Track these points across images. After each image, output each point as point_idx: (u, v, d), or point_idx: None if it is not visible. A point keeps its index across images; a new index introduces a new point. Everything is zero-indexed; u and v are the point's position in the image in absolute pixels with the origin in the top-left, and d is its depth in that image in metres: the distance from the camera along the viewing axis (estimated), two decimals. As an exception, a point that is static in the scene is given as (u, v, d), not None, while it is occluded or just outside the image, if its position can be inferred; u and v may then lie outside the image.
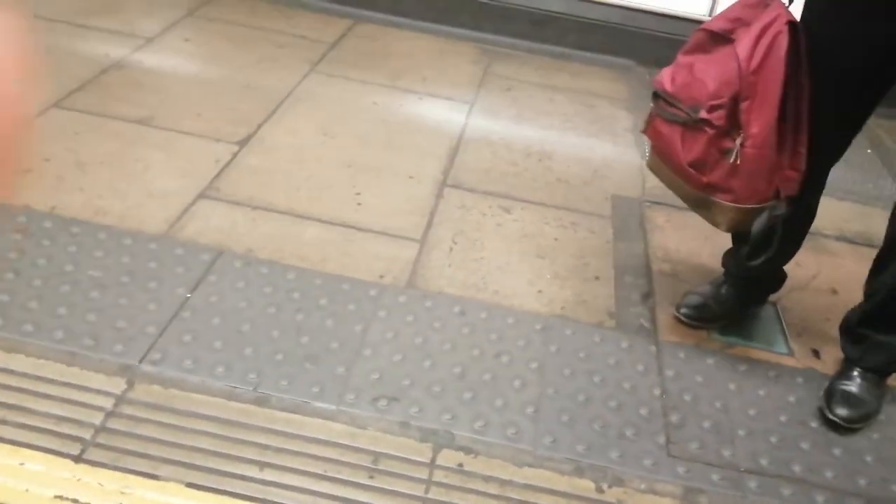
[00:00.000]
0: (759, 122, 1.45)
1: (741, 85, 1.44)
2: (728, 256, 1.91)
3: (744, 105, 1.45)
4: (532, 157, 2.57)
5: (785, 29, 1.43)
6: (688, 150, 1.53)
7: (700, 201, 1.59)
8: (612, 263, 2.12)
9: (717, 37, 1.51)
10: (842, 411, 1.67)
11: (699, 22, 3.24)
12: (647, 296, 2.01)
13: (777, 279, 1.92)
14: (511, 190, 2.39)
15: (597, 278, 2.06)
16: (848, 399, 1.69)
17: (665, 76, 1.57)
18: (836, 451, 1.64)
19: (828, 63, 1.45)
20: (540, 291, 1.99)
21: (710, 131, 1.48)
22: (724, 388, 1.76)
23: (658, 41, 3.32)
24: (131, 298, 1.77)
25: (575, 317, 1.92)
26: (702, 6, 3.26)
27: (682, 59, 1.56)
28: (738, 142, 1.47)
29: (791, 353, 1.88)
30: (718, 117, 1.47)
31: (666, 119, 1.56)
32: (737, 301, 1.90)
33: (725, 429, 1.66)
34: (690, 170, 1.54)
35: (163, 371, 1.61)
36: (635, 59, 3.35)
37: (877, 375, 1.73)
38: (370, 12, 3.43)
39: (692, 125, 1.51)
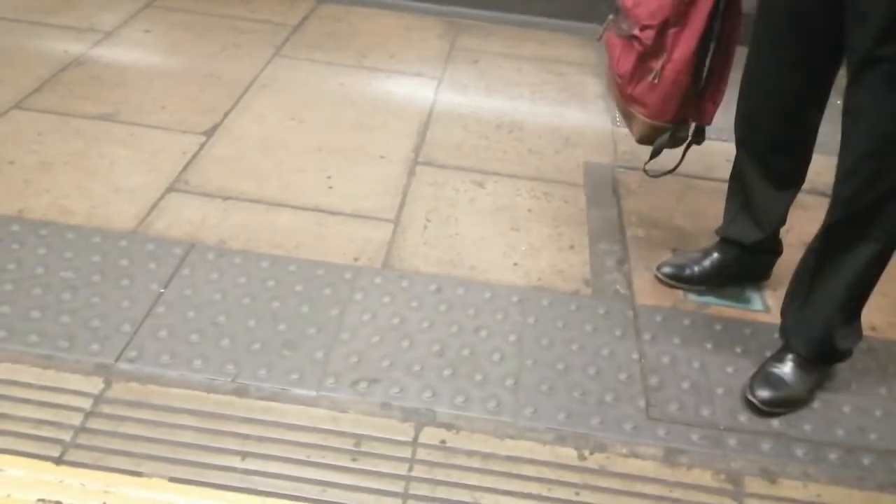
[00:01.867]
0: (681, 48, 1.59)
1: (672, 12, 1.57)
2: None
3: (671, 31, 1.59)
4: (503, 129, 2.56)
5: None
6: (621, 63, 1.67)
7: (624, 111, 1.75)
8: (587, 231, 2.12)
9: None
10: (762, 393, 1.62)
11: (664, -18, 3.23)
12: (622, 261, 2.02)
13: (775, 249, 1.91)
14: (483, 164, 2.38)
15: (571, 247, 2.06)
16: (770, 380, 1.64)
17: None
18: (815, 405, 1.66)
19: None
20: (516, 264, 1.99)
21: (639, 48, 1.62)
22: (702, 348, 1.77)
23: (625, 4, 3.29)
24: (104, 297, 1.76)
25: (551, 287, 1.93)
26: (666, -34, 3.22)
27: None
28: (660, 63, 1.61)
29: (766, 310, 1.89)
30: (647, 37, 1.60)
31: (615, 32, 1.69)
32: (722, 269, 1.90)
33: (704, 388, 1.67)
34: (619, 80, 1.70)
35: (140, 368, 1.61)
36: (600, 23, 3.31)
37: (810, 361, 1.66)
38: (333, -8, 3.38)
39: (628, 40, 1.65)
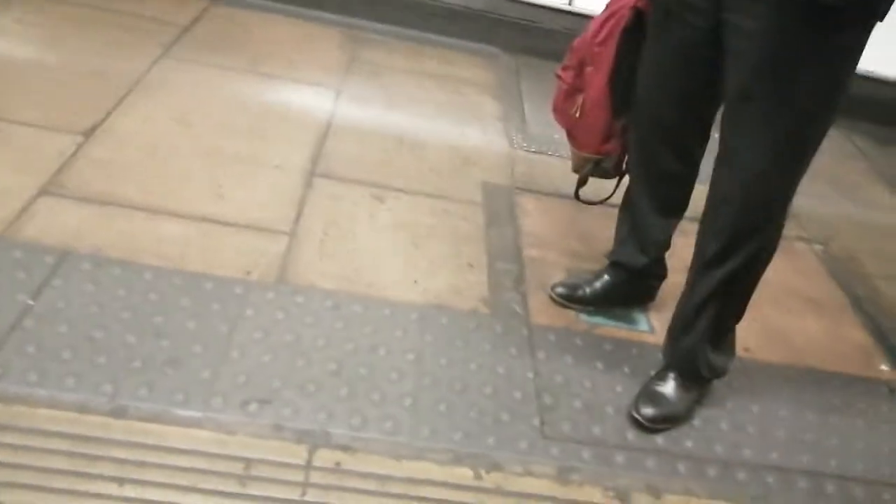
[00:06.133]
0: (594, 85, 1.74)
1: (585, 53, 1.74)
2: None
3: (588, 70, 1.75)
4: (403, 145, 2.55)
5: (628, 12, 1.67)
6: (556, 99, 1.84)
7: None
8: (485, 250, 2.14)
9: (605, 9, 1.75)
10: (646, 410, 1.68)
11: (560, 11, 3.36)
12: (519, 281, 2.05)
13: (660, 274, 1.99)
14: (383, 178, 2.35)
15: (470, 265, 2.07)
16: (653, 398, 1.71)
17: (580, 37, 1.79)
18: (695, 422, 1.74)
19: (655, 33, 1.63)
20: (415, 281, 1.98)
21: (563, 86, 1.80)
22: (593, 368, 1.82)
23: (521, 29, 3.38)
24: (-38, 308, 1.59)
25: (450, 305, 1.92)
26: (562, -5, 3.34)
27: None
28: (581, 99, 1.78)
29: (652, 331, 1.97)
30: (567, 76, 1.79)
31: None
32: (611, 291, 1.97)
33: (595, 407, 1.72)
34: (553, 114, 1.87)
35: (4, 387, 1.46)
36: (500, 47, 3.39)
37: (688, 379, 1.73)
38: (228, -7, 3.26)
39: (557, 78, 1.82)
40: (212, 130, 2.38)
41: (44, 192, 1.97)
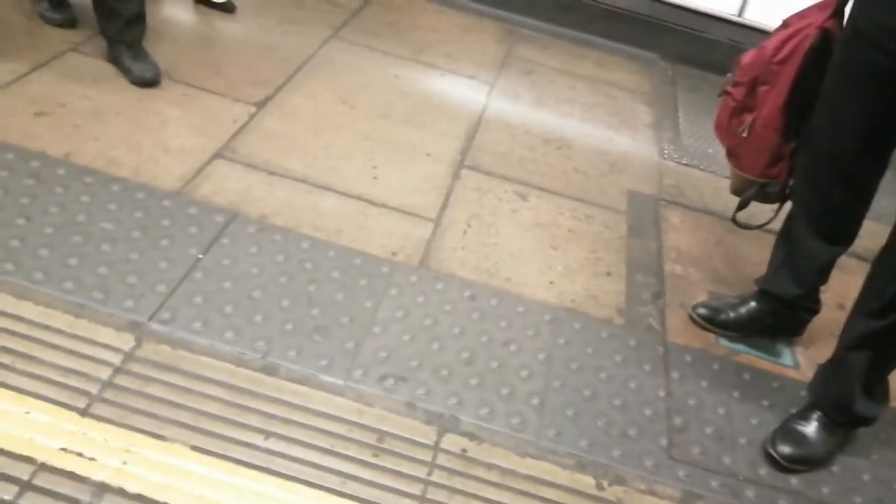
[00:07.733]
0: (770, 105, 1.67)
1: (761, 71, 1.66)
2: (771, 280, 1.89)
3: (762, 89, 1.68)
4: (550, 145, 2.55)
5: (814, 32, 1.61)
6: (719, 116, 1.78)
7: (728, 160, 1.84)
8: (625, 260, 2.11)
9: (783, 25, 1.68)
10: (784, 448, 1.61)
11: (727, 21, 3.23)
12: (658, 295, 2.01)
13: (812, 308, 1.89)
14: (528, 176, 2.37)
15: (608, 274, 2.06)
16: (793, 436, 1.63)
17: (750, 50, 1.74)
18: (835, 469, 1.65)
19: (856, 60, 1.52)
20: (551, 282, 1.98)
21: (732, 103, 1.73)
22: (729, 395, 1.77)
23: (684, 37, 3.29)
24: (143, 254, 1.75)
25: (584, 311, 1.92)
26: (731, 5, 3.22)
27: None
28: (750, 118, 1.70)
29: (796, 366, 1.89)
30: (738, 93, 1.71)
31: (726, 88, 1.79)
32: (757, 320, 1.90)
33: (727, 436, 1.67)
34: (715, 132, 1.81)
35: (172, 331, 1.60)
36: (659, 53, 3.31)
37: (834, 422, 1.65)
38: (395, -19, 3.37)
39: (723, 94, 1.75)
40: (371, 113, 2.48)
41: (218, 155, 2.13)
